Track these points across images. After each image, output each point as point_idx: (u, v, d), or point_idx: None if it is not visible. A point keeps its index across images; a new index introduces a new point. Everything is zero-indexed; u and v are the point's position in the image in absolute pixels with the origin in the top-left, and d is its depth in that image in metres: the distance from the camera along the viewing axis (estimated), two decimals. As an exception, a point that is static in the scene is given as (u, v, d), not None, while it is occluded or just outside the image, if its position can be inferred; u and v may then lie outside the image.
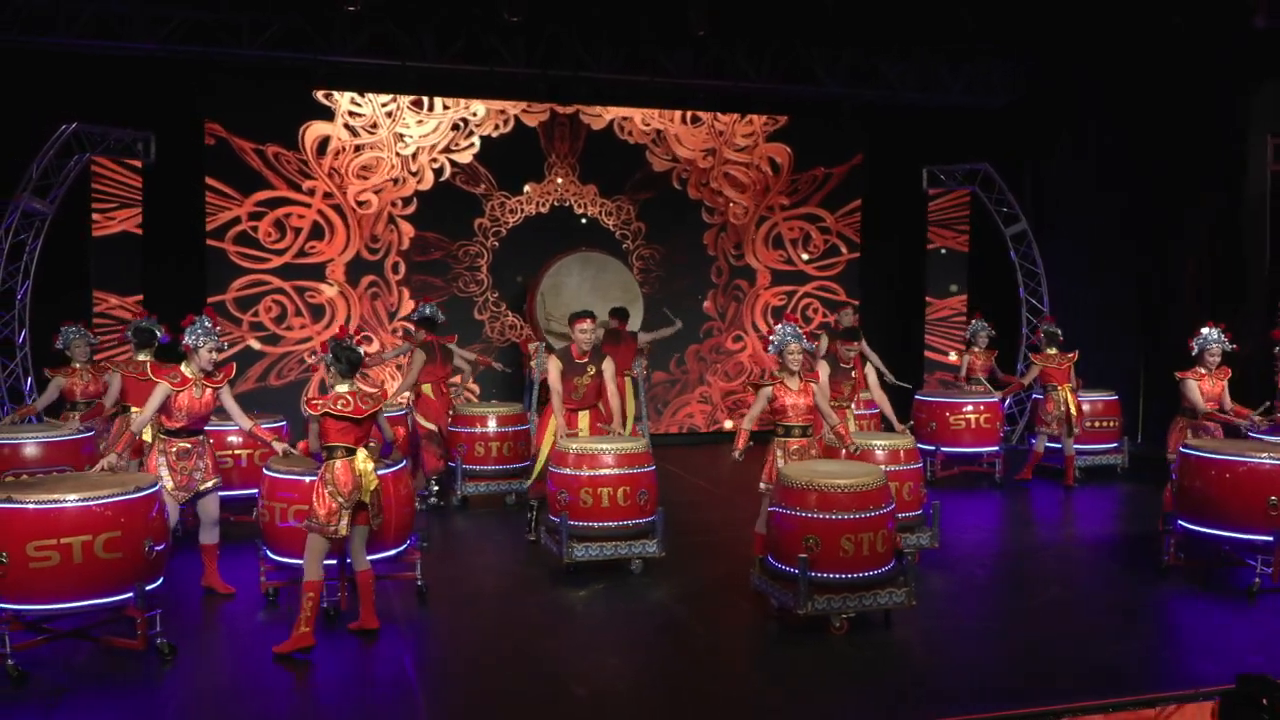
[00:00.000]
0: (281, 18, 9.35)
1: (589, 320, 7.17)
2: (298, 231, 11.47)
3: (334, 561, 5.80)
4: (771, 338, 6.33)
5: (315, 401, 5.31)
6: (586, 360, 7.13)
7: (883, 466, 6.31)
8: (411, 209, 11.75)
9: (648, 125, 12.42)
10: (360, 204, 11.68)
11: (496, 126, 11.92)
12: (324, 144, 11.50)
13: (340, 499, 5.26)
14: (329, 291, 11.58)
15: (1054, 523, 8.82)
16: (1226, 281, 10.65)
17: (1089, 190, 11.93)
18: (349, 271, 11.74)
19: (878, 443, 7.08)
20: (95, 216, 9.81)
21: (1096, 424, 10.06)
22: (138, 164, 9.88)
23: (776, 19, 10.45)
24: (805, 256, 13.17)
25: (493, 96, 11.70)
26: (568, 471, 6.72)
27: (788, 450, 6.23)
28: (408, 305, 11.72)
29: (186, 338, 5.99)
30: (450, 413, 8.97)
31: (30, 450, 6.95)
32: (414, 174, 11.72)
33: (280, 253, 11.44)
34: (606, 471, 6.65)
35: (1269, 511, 6.11)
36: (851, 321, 10.00)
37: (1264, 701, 2.95)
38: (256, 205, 11.22)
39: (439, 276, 11.81)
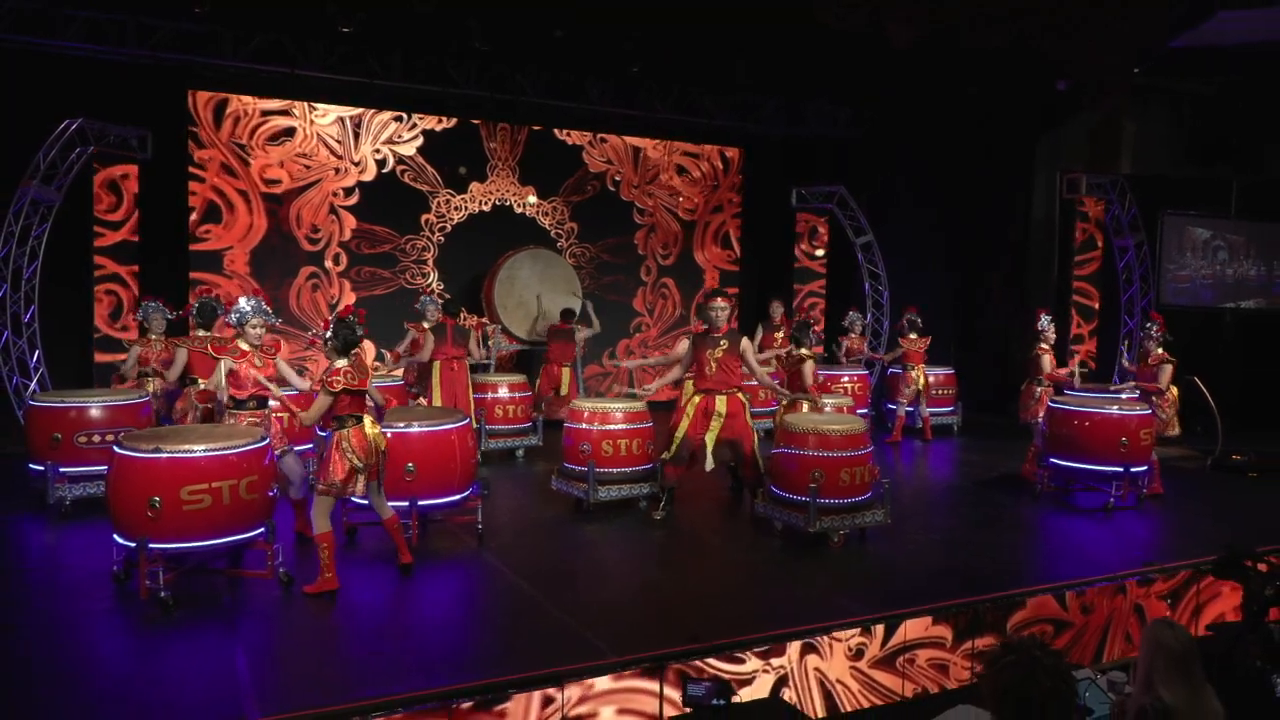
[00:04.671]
0: (263, 33, 9.13)
1: (722, 299, 6.83)
2: (190, 210, 9.92)
3: (405, 503, 5.97)
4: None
5: (335, 380, 5.16)
6: (720, 335, 6.78)
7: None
8: (354, 199, 11.03)
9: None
10: (269, 181, 10.23)
11: (440, 120, 11.48)
12: (221, 107, 9.97)
13: (358, 462, 5.21)
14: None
15: (932, 467, 9.74)
16: (1021, 286, 12.14)
17: (917, 211, 13.17)
18: (254, 261, 10.26)
19: (827, 401, 7.82)
20: (97, 205, 9.19)
21: (939, 392, 11.26)
22: (136, 158, 9.34)
23: (682, 65, 11.14)
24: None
25: (448, 114, 11.48)
26: (584, 426, 7.09)
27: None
28: (349, 297, 11.11)
29: (229, 317, 5.92)
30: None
31: (95, 413, 6.66)
32: (356, 164, 10.99)
33: None
34: (620, 426, 7.07)
35: (1119, 450, 7.27)
36: (780, 314, 10.64)
37: (1246, 563, 3.75)
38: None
39: (387, 269, 11.42)
